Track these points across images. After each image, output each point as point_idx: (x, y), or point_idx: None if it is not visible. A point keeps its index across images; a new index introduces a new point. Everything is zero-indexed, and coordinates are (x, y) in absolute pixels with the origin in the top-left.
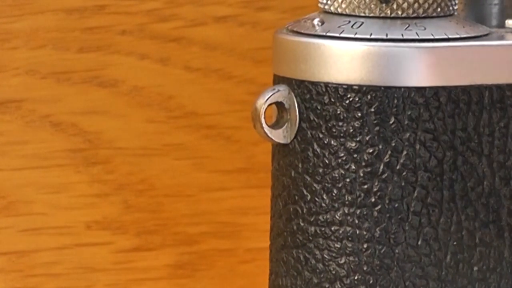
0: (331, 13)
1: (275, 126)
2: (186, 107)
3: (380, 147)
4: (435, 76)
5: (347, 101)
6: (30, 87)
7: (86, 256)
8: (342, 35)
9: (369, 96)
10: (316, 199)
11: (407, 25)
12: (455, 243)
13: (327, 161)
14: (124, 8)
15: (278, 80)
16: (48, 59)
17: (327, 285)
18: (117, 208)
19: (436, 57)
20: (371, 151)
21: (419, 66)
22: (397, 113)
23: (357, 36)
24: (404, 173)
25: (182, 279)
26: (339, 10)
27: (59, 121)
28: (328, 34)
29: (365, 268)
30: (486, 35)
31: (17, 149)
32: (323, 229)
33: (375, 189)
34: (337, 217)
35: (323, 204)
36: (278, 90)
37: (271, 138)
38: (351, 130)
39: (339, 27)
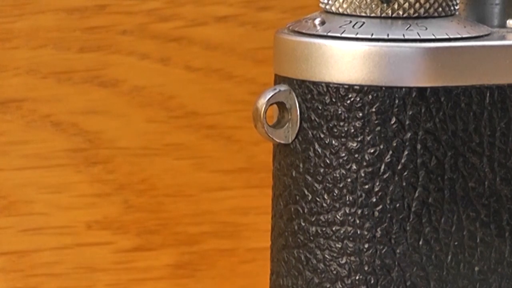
0: (332, 13)
1: (276, 126)
2: (187, 107)
3: (381, 147)
4: (436, 76)
5: (348, 101)
6: (30, 87)
7: (87, 256)
8: (343, 35)
9: (370, 96)
10: (317, 199)
11: (408, 25)
12: (456, 243)
13: (328, 161)
14: (125, 8)
15: (279, 80)
16: (48, 59)
17: (328, 285)
18: (118, 208)
19: (437, 57)
20: (372, 151)
21: (420, 66)
22: (398, 113)
23: (358, 36)
24: (405, 173)
25: (182, 279)
26: (340, 10)
27: (60, 121)
28: (329, 34)
29: (366, 268)
30: (487, 35)
31: (17, 149)
32: (324, 229)
33: (376, 189)
34: (338, 217)
35: (324, 204)
36: (279, 90)
37: (272, 138)
38: (352, 130)
39: (340, 27)
